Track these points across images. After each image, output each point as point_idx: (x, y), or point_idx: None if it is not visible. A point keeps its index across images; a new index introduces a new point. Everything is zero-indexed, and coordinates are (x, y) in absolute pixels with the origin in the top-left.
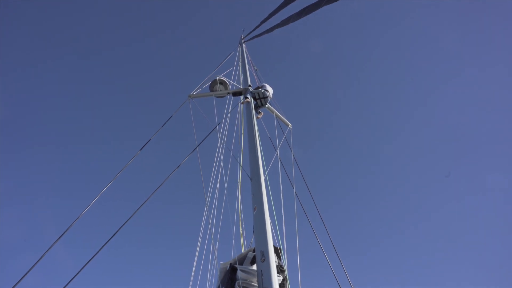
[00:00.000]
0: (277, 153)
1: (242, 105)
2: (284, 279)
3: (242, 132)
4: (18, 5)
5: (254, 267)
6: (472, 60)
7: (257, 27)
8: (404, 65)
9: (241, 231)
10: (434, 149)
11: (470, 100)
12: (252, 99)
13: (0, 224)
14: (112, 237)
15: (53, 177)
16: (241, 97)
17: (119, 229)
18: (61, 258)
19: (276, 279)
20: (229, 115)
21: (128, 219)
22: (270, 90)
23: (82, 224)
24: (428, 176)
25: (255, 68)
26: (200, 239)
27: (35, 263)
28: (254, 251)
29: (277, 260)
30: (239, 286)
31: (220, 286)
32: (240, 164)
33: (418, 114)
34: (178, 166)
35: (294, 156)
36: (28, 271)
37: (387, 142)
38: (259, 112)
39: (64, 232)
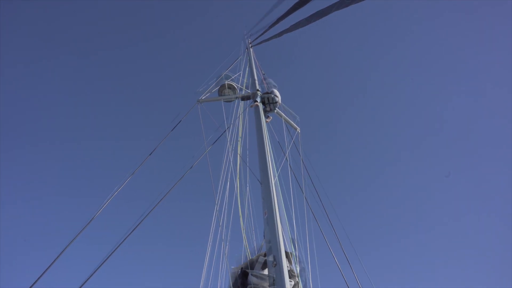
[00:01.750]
0: (286, 157)
1: (250, 109)
2: (295, 284)
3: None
4: (34, 5)
5: (266, 271)
6: (473, 60)
7: (265, 31)
8: (406, 66)
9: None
10: (436, 149)
11: (471, 100)
12: (261, 103)
13: (0, 224)
14: (127, 236)
15: (58, 178)
16: (249, 101)
17: (134, 228)
18: (70, 260)
19: (288, 284)
20: (237, 120)
21: (143, 219)
22: (279, 96)
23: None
24: (430, 176)
25: (263, 73)
26: (210, 243)
27: (52, 263)
28: (265, 255)
29: (288, 265)
30: None
31: None
32: (237, 167)
33: (425, 114)
34: (191, 167)
35: (303, 161)
36: (46, 270)
37: (394, 143)
38: (268, 116)
39: (79, 233)
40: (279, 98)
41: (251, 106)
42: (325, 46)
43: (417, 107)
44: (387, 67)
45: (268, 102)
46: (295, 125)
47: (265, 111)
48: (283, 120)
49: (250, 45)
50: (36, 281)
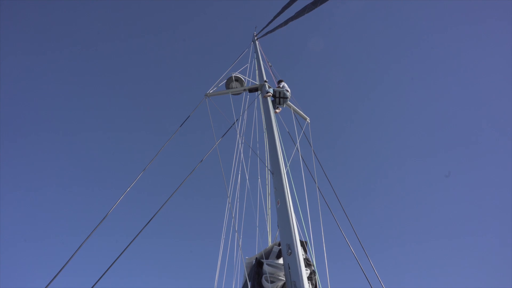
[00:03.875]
0: (297, 147)
1: (257, 101)
2: (311, 273)
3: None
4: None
5: (280, 261)
6: (474, 60)
7: (270, 22)
8: (409, 65)
9: (267, 224)
10: (438, 148)
11: (472, 100)
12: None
13: (0, 223)
14: (143, 228)
15: (62, 177)
16: (258, 92)
17: (149, 221)
18: (80, 259)
19: (304, 272)
20: (246, 111)
21: (156, 212)
22: (289, 90)
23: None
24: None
25: (270, 64)
26: (223, 235)
27: (67, 262)
28: (279, 245)
29: (304, 254)
30: (266, 280)
31: (248, 281)
32: (266, 161)
33: (426, 112)
34: (201, 161)
35: (313, 150)
36: (61, 270)
37: (394, 143)
38: (278, 107)
39: (93, 230)
40: (289, 93)
41: (264, 97)
42: (332, 41)
43: (417, 107)
44: (389, 66)
45: (279, 96)
46: (304, 115)
47: (274, 103)
48: (292, 111)
49: (255, 37)
50: (52, 279)
